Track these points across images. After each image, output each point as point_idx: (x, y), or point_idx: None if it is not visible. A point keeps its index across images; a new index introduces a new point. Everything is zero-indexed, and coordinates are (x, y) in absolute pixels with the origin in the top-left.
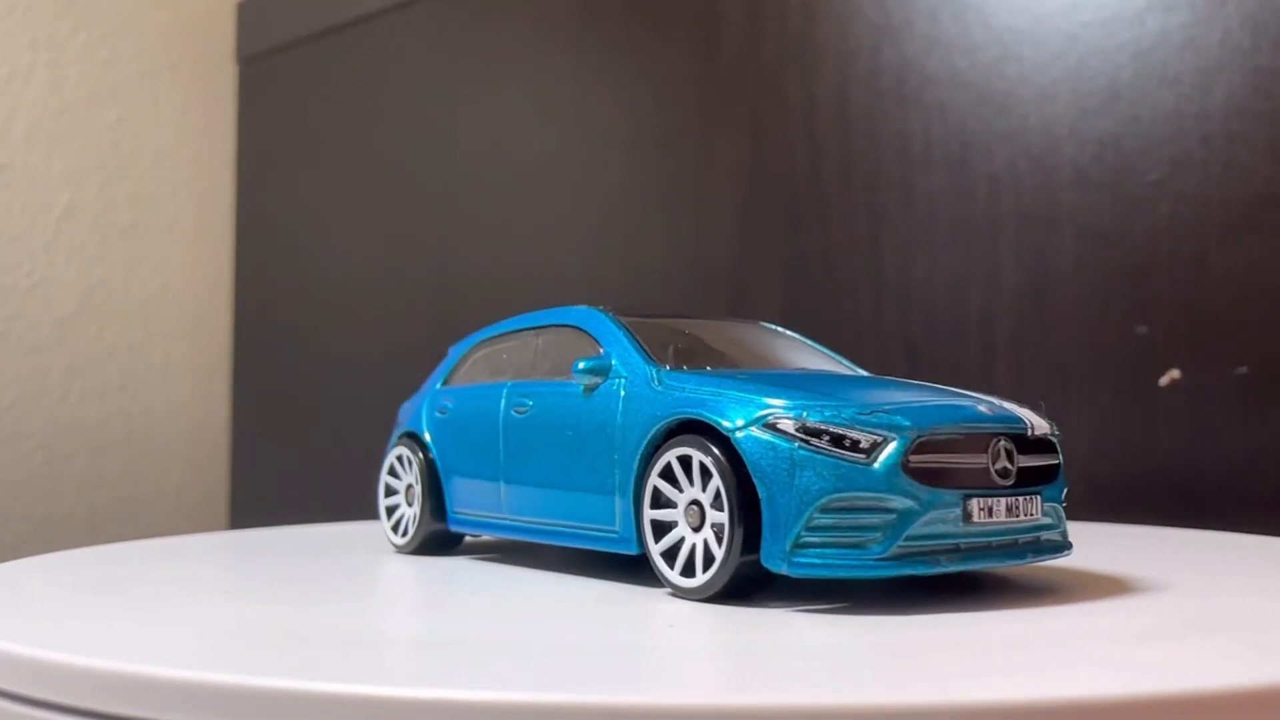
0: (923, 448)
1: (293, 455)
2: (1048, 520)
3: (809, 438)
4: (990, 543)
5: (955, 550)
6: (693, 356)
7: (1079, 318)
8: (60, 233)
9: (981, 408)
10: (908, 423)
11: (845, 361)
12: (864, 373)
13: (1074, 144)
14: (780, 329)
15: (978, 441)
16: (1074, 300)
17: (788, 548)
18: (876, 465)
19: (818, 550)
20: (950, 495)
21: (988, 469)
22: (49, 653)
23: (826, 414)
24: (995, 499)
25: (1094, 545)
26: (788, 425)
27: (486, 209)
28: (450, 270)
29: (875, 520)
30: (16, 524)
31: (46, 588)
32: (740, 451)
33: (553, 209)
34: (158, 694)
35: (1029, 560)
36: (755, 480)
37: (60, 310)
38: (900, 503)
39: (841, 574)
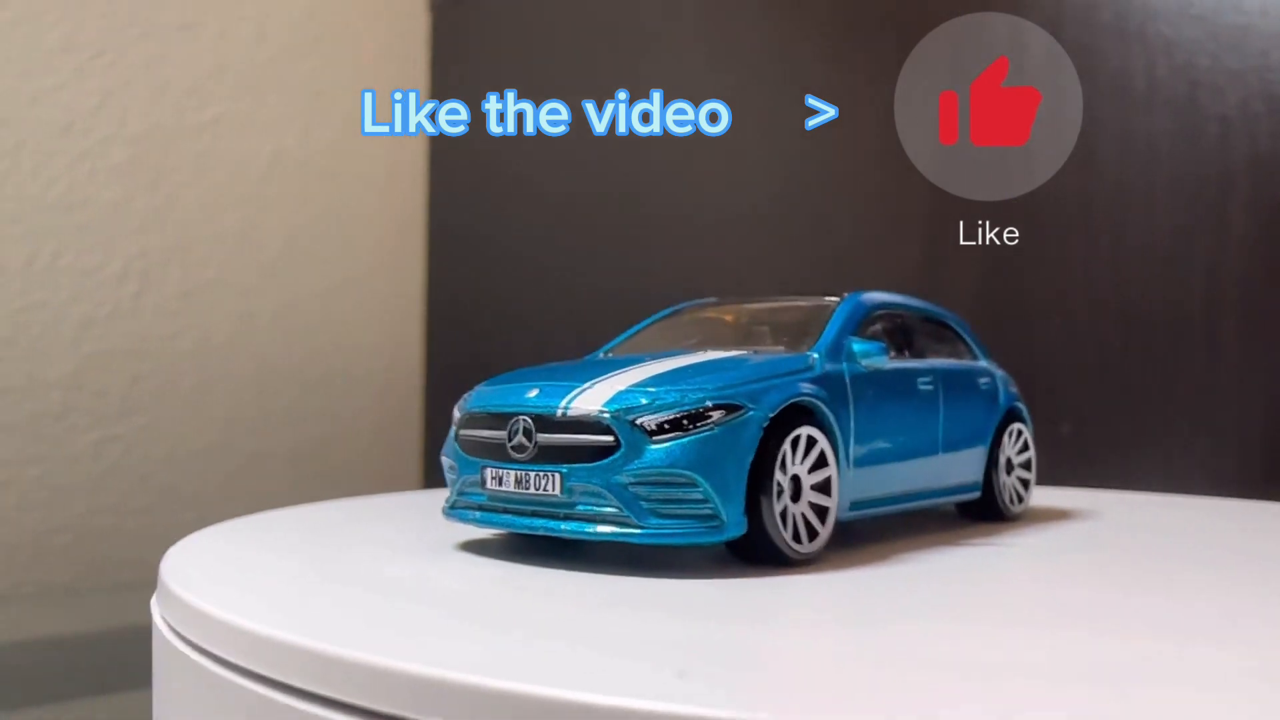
0: (467, 424)
1: None
2: (583, 498)
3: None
4: (524, 509)
5: (490, 509)
6: (690, 341)
7: None
8: (266, 180)
9: (532, 392)
10: (467, 404)
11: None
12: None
13: None
14: (825, 302)
15: (504, 420)
16: None
17: None
18: (452, 437)
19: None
20: (475, 464)
21: (504, 444)
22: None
23: (466, 396)
24: (505, 470)
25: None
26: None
27: (673, 157)
28: (637, 217)
29: (452, 478)
30: (229, 456)
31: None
32: None
33: (739, 155)
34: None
35: (564, 532)
36: None
37: (266, 255)
38: (457, 467)
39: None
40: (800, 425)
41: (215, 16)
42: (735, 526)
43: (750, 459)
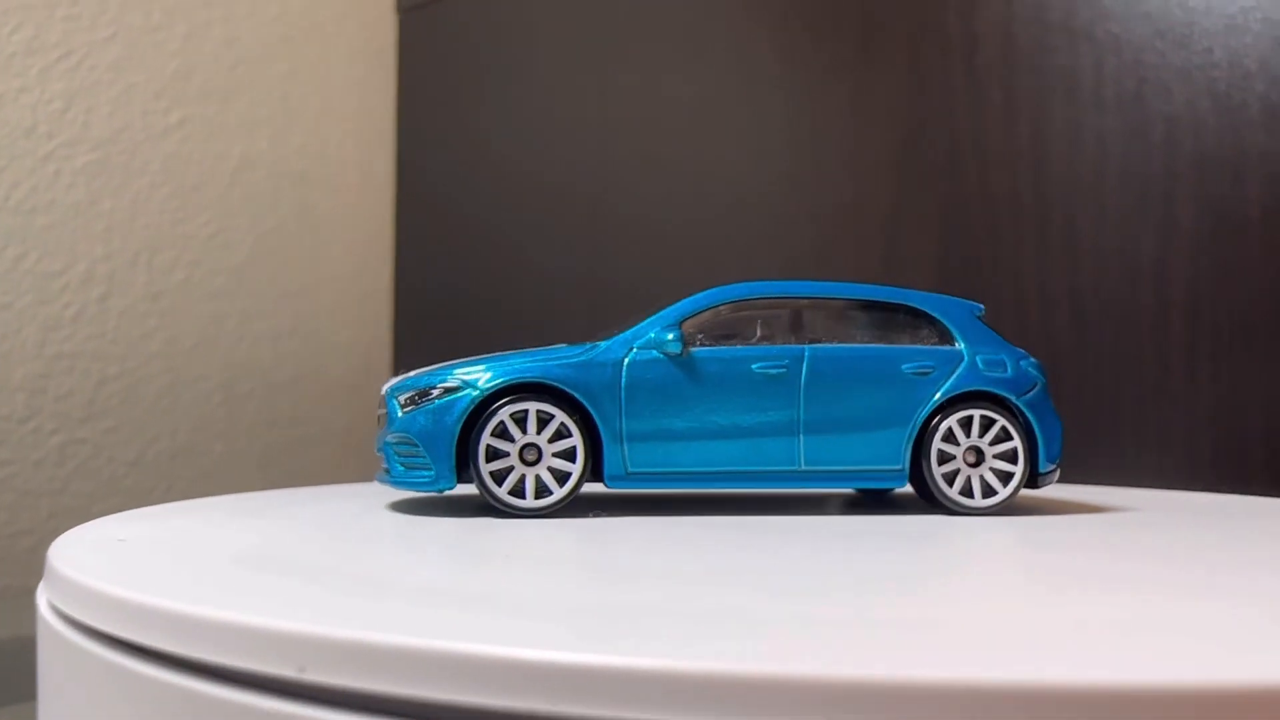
0: None
1: None
2: (383, 456)
3: None
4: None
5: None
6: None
7: (1265, 270)
8: (235, 183)
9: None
10: None
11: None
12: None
13: (1264, 79)
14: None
15: None
16: (1260, 251)
17: None
18: None
19: None
20: None
21: None
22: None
23: None
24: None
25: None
26: None
27: (639, 155)
28: (604, 215)
29: None
30: (198, 459)
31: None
32: None
33: (703, 152)
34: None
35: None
36: None
37: (235, 257)
38: None
39: None
40: (529, 402)
41: (183, 19)
42: (445, 480)
43: (458, 428)
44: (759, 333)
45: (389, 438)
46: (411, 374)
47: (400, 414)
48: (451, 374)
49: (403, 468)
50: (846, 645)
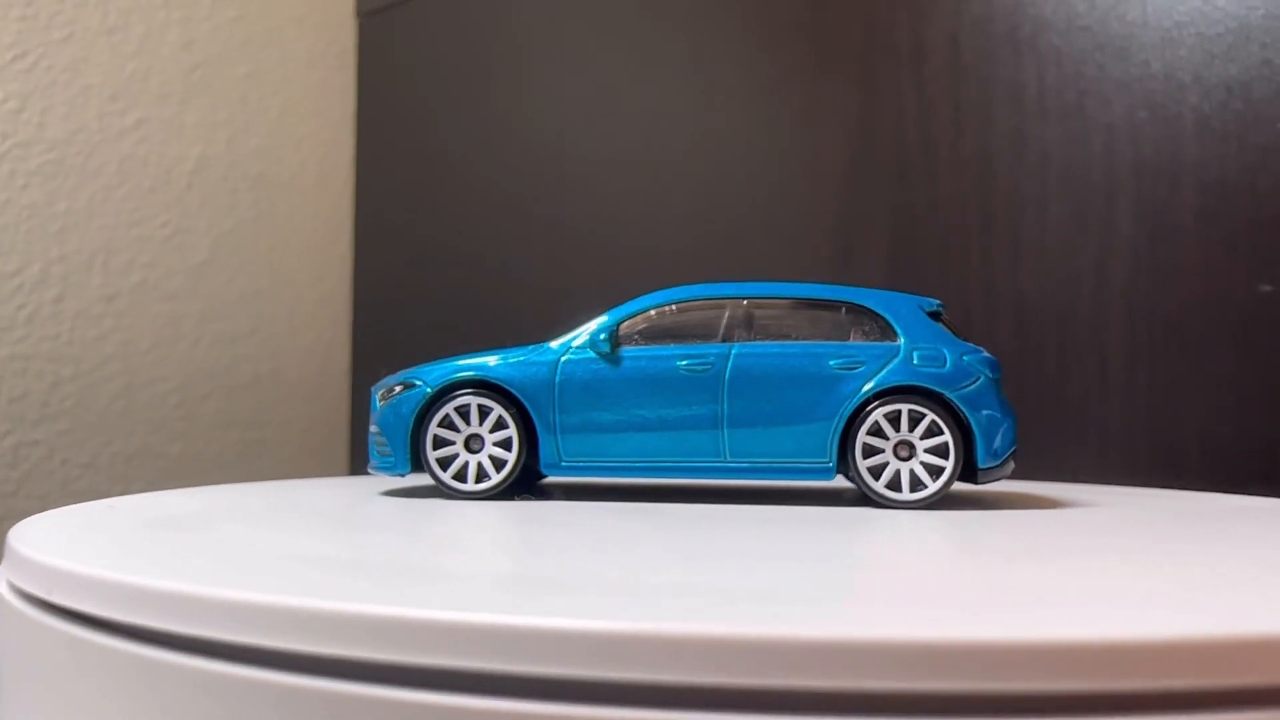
0: None
1: None
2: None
3: None
4: None
5: None
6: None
7: (1200, 274)
8: (192, 184)
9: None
10: None
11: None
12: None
13: (1198, 91)
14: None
15: None
16: (1195, 256)
17: None
18: None
19: None
20: None
21: None
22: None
23: None
24: None
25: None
26: None
27: (596, 160)
28: (562, 220)
29: None
30: (155, 460)
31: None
32: None
33: (659, 159)
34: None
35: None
36: None
37: (193, 259)
38: None
39: None
40: (472, 397)
41: (140, 20)
42: (401, 466)
43: (412, 419)
44: (698, 333)
45: (370, 429)
46: (396, 374)
47: (378, 408)
48: (414, 372)
49: (378, 455)
50: (746, 607)
